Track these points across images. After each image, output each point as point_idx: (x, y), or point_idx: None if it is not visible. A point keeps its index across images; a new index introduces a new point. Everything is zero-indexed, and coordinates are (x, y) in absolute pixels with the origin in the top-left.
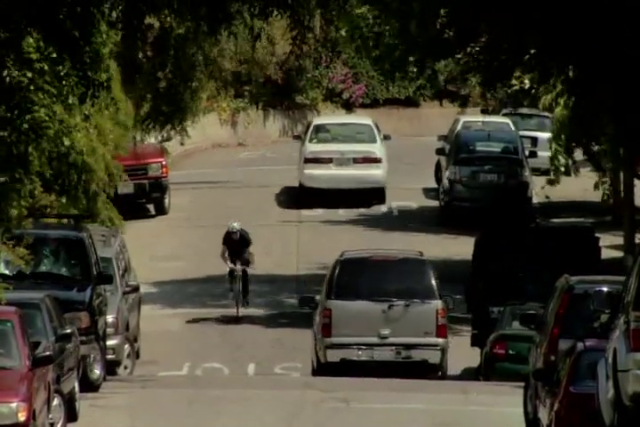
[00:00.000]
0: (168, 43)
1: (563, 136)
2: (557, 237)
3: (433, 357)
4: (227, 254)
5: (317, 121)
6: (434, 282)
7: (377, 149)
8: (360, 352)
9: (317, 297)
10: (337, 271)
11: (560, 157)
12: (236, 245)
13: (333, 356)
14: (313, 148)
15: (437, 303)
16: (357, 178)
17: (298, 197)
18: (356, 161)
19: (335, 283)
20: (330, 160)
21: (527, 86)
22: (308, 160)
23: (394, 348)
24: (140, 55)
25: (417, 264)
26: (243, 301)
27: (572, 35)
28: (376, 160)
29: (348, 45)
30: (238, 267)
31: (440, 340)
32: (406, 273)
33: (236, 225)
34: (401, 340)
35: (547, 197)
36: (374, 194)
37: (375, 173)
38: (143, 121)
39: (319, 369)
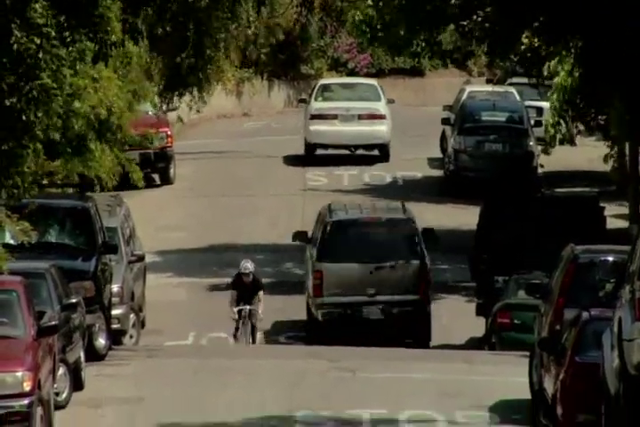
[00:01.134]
0: (185, 13)
1: (559, 104)
2: (562, 207)
3: (416, 312)
4: (235, 299)
5: (323, 81)
6: (417, 241)
7: (381, 106)
8: (349, 310)
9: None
10: (327, 233)
11: (560, 126)
12: (248, 289)
13: (324, 314)
14: (319, 105)
15: (419, 263)
16: (362, 134)
17: (303, 156)
18: (360, 117)
19: (326, 245)
20: (335, 117)
21: (537, 44)
22: (313, 117)
23: (380, 306)
24: (159, 29)
25: (402, 224)
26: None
27: (578, 13)
28: (380, 117)
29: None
30: (246, 307)
31: (422, 296)
32: (392, 234)
33: (249, 266)
34: (386, 298)
35: (541, 166)
36: (379, 150)
37: (379, 128)
38: (161, 93)
39: (311, 324)
